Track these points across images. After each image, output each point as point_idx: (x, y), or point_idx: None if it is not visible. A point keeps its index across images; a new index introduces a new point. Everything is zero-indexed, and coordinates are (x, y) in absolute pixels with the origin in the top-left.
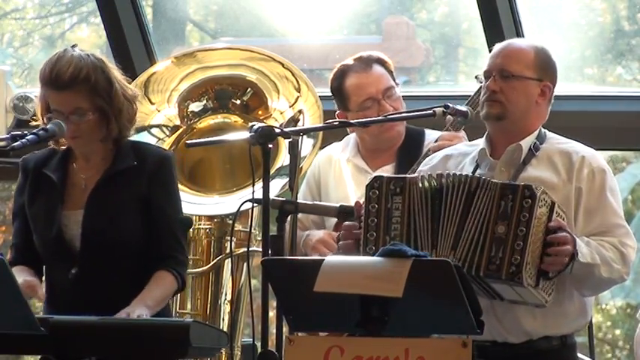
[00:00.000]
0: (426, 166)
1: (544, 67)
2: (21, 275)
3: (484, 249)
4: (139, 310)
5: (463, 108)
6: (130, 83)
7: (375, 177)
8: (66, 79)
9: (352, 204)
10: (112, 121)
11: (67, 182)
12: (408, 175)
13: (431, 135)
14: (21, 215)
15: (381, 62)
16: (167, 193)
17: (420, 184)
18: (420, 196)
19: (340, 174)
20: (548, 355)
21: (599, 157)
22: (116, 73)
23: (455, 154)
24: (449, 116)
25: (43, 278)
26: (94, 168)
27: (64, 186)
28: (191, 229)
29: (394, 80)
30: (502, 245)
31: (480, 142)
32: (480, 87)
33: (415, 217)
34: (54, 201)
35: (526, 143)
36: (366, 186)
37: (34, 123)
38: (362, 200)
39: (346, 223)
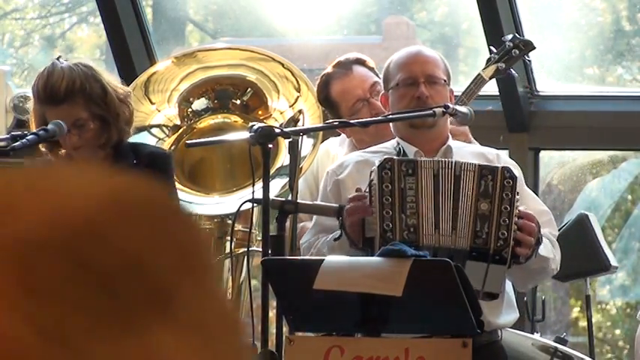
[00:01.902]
0: (339, 176)
1: (449, 72)
2: None
3: (468, 226)
4: None
5: (463, 109)
6: (129, 83)
7: (386, 158)
8: (62, 92)
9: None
10: (111, 126)
11: None
12: (417, 158)
13: None
14: None
15: (360, 62)
16: (170, 191)
17: (428, 168)
18: (426, 178)
19: None
20: (493, 346)
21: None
22: (106, 77)
23: (367, 158)
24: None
25: None
26: None
27: None
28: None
29: (377, 76)
30: (487, 221)
31: (384, 147)
32: (477, 77)
33: (424, 198)
34: None
35: (451, 144)
36: (378, 167)
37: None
38: (362, 187)
39: (356, 194)
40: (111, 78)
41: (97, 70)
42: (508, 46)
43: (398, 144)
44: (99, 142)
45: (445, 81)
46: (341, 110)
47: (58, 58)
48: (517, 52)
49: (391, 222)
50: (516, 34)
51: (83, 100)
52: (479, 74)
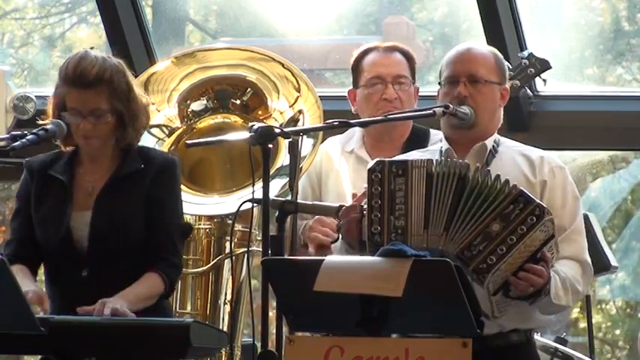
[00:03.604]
0: None
1: (503, 71)
2: (24, 281)
3: (470, 235)
4: (116, 302)
5: (464, 108)
6: None
7: (377, 161)
8: (90, 78)
9: (350, 198)
10: (127, 125)
11: (74, 184)
12: (409, 158)
13: (437, 135)
14: (24, 212)
15: (407, 56)
16: (169, 195)
17: (420, 168)
18: (418, 178)
19: (340, 166)
20: (516, 348)
21: (555, 157)
22: (132, 79)
23: (422, 156)
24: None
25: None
26: (101, 171)
27: (72, 187)
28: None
29: (413, 78)
30: (487, 241)
31: (435, 147)
32: (523, 64)
33: (413, 198)
34: (63, 202)
35: (489, 143)
36: (368, 169)
37: (40, 122)
38: (359, 193)
39: (347, 206)
40: (135, 82)
41: (127, 70)
42: (524, 63)
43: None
44: (111, 138)
45: (488, 81)
46: (361, 79)
47: (91, 48)
48: (532, 70)
49: (379, 225)
50: (532, 52)
51: (108, 91)
52: None
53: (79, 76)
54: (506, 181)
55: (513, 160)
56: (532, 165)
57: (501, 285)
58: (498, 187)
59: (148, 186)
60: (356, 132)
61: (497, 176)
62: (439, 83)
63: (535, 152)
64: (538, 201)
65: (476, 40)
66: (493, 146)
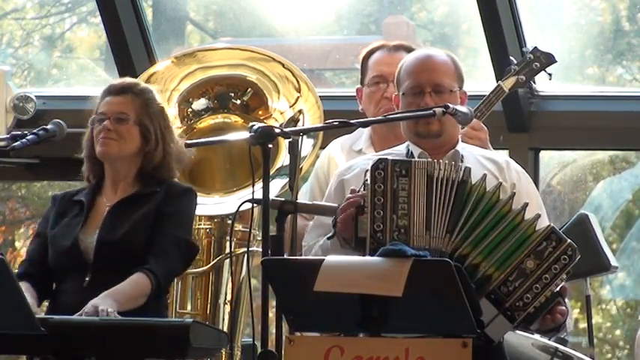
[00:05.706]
0: (346, 176)
1: (461, 75)
2: None
3: (503, 267)
4: (106, 303)
5: (463, 108)
6: None
7: (380, 159)
8: (122, 86)
9: None
10: (153, 145)
11: (93, 207)
12: (412, 159)
13: None
14: (40, 236)
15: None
16: (175, 212)
17: (421, 169)
18: (420, 179)
19: None
20: (494, 347)
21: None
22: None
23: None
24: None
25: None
26: (119, 196)
27: (90, 209)
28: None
29: None
30: (522, 278)
31: (398, 148)
32: (497, 88)
33: (416, 199)
34: (76, 219)
35: (460, 149)
36: (371, 167)
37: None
38: (357, 187)
39: (344, 203)
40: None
41: (167, 113)
42: (529, 58)
43: (408, 146)
44: (130, 148)
45: (453, 90)
46: (366, 77)
47: None
48: (538, 65)
49: (382, 222)
50: (537, 47)
51: (137, 102)
52: (498, 85)
53: (113, 86)
54: (525, 205)
55: (479, 162)
56: (500, 168)
57: (524, 318)
58: (517, 212)
59: (159, 204)
60: (364, 131)
61: (513, 194)
62: (403, 93)
63: (500, 156)
64: (569, 240)
65: (475, 40)
66: (459, 151)
